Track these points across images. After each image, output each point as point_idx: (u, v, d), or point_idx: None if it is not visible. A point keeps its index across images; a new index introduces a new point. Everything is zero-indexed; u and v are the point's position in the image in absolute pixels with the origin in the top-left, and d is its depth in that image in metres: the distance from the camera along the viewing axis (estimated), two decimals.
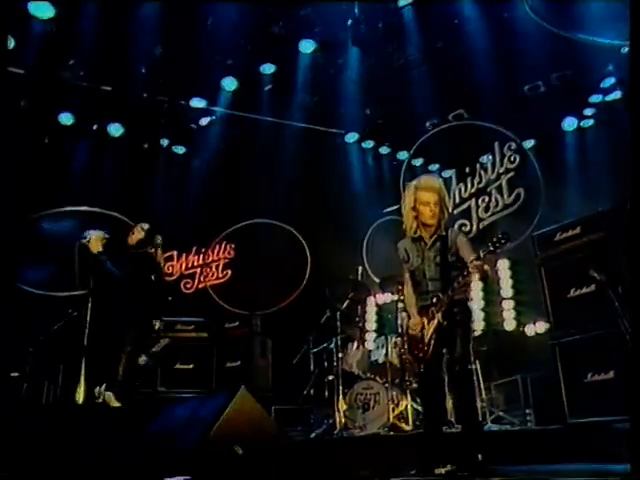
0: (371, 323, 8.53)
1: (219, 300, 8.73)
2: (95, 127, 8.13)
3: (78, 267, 4.91)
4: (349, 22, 7.22)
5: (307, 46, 7.66)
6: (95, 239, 5.03)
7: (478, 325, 7.25)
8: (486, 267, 3.63)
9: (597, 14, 5.71)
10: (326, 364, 5.89)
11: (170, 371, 6.92)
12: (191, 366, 7.15)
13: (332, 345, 5.69)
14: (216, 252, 9.22)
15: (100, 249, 5.01)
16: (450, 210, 4.25)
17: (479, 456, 3.17)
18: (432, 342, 3.58)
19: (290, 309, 8.23)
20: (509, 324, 7.18)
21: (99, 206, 8.01)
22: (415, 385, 5.17)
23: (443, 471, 3.10)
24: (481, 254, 3.48)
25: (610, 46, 5.90)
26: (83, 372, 4.51)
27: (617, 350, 4.40)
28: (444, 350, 3.60)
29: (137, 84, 7.87)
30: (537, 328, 6.60)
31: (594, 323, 4.63)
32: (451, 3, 7.02)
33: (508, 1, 6.69)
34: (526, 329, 6.82)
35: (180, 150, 8.93)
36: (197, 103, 8.52)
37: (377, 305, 8.44)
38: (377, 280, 8.45)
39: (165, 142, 8.72)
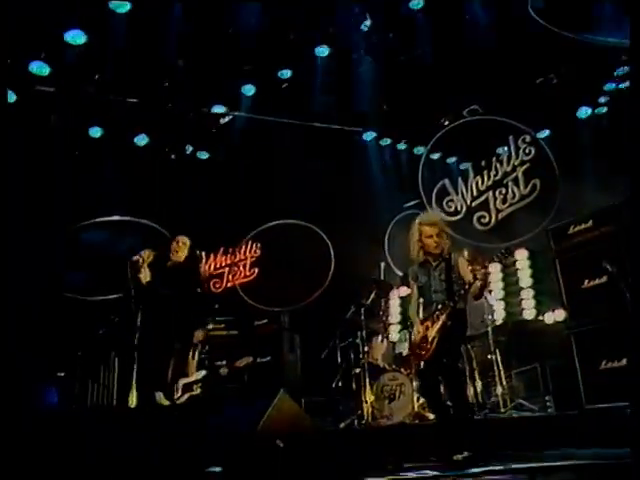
0: (395, 316, 8.81)
1: (247, 298, 9.07)
2: (121, 138, 8.47)
3: (132, 286, 5.24)
4: (362, 27, 7.41)
5: (322, 51, 7.90)
6: (146, 258, 5.33)
7: (498, 315, 7.48)
8: (479, 284, 4.06)
9: (603, 14, 5.82)
10: (352, 357, 6.18)
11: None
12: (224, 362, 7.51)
13: (358, 339, 5.97)
14: (243, 251, 9.56)
15: (148, 276, 5.33)
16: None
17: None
18: (435, 340, 4.05)
19: (316, 305, 8.52)
20: (528, 313, 7.39)
21: (130, 215, 8.39)
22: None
23: (460, 457, 3.38)
24: (477, 275, 4.01)
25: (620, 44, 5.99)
26: (135, 378, 4.89)
27: (628, 338, 4.60)
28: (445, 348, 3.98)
29: (160, 94, 8.20)
30: (556, 316, 6.78)
31: (607, 313, 4.83)
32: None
33: None
34: (545, 317, 7.01)
35: (204, 155, 9.25)
36: (218, 109, 8.83)
37: (400, 298, 8.71)
38: (400, 273, 8.72)
39: (189, 149, 9.06)
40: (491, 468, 3.08)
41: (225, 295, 9.25)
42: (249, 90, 8.48)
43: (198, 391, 5.86)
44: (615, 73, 7.25)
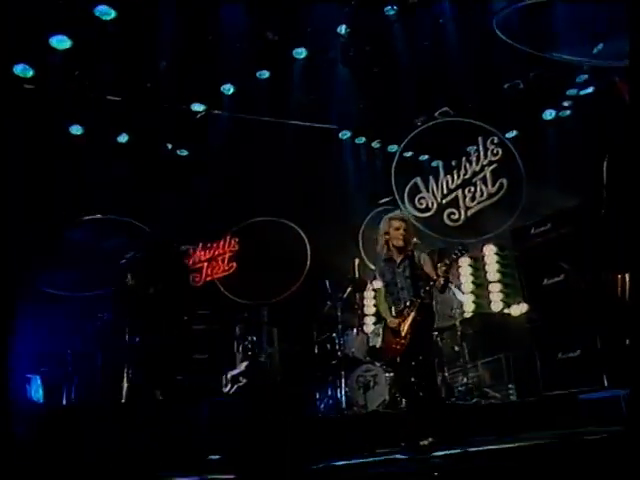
0: (369, 308, 9.19)
1: (226, 292, 9.33)
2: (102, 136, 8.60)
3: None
4: (339, 29, 7.68)
5: (300, 52, 8.15)
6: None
7: (468, 308, 7.90)
8: (442, 281, 4.42)
9: (563, 34, 6.21)
10: (329, 349, 6.52)
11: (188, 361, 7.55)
12: (206, 356, 7.79)
13: (334, 333, 6.31)
14: (222, 246, 9.81)
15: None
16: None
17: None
18: (409, 335, 4.40)
19: (294, 300, 8.81)
20: (495, 306, 7.83)
21: (112, 213, 8.56)
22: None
23: (426, 442, 3.74)
24: (439, 272, 4.39)
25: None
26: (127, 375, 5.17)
27: (583, 331, 5.05)
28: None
29: (142, 93, 8.35)
30: (522, 309, 7.22)
31: (563, 308, 5.26)
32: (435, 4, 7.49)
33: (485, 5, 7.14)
34: (511, 310, 7.45)
35: (183, 152, 9.43)
36: (197, 107, 9.02)
37: (374, 290, 9.07)
38: (373, 267, 9.07)
39: (169, 146, 9.22)
40: (453, 452, 3.43)
41: (204, 289, 9.50)
42: (228, 89, 8.70)
43: (244, 382, 6.20)
44: (577, 79, 7.67)
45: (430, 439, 3.72)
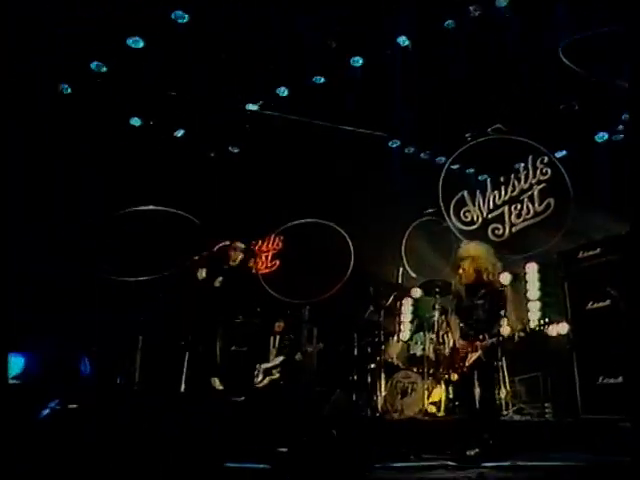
0: (407, 315, 9.33)
1: (269, 289, 9.59)
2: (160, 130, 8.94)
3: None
4: (399, 41, 7.84)
5: (357, 60, 8.34)
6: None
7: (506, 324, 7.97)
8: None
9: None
10: (370, 354, 6.72)
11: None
12: (244, 348, 8.07)
13: (376, 338, 6.51)
14: (266, 243, 10.09)
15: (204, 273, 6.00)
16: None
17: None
18: (469, 369, 4.57)
19: (336, 302, 8.98)
20: (534, 324, 7.87)
21: (164, 205, 8.92)
22: (446, 376, 5.98)
23: (472, 453, 3.91)
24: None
25: None
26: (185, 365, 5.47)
27: (626, 358, 5.11)
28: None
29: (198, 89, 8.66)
30: (559, 329, 7.27)
31: (607, 333, 5.34)
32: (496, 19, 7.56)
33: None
34: (549, 329, 7.50)
35: (235, 150, 9.72)
36: (252, 107, 9.29)
37: (413, 299, 9.21)
38: (414, 276, 9.21)
39: (222, 143, 9.52)
40: (500, 464, 3.58)
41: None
42: (283, 91, 8.94)
43: (277, 375, 6.49)
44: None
45: (477, 449, 3.88)
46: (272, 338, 7.89)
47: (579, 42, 6.62)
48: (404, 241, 9.64)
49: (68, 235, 7.82)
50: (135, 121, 8.94)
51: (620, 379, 5.13)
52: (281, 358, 7.42)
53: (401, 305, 9.24)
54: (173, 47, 7.65)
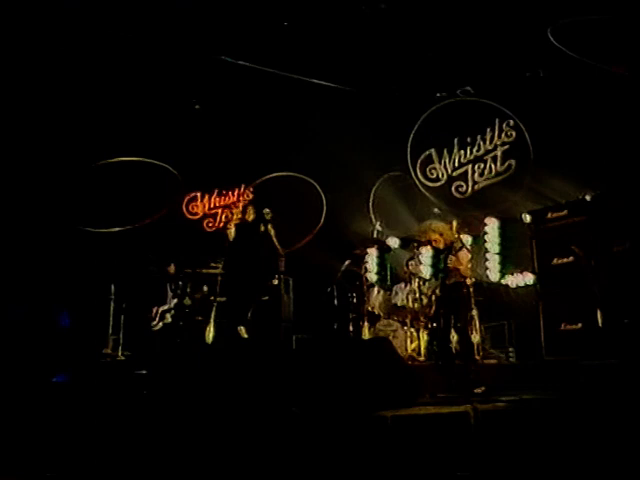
0: (372, 265, 9.85)
1: None
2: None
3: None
4: None
5: None
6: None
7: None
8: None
9: None
10: (354, 303, 7.21)
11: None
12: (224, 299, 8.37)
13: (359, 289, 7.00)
14: (237, 194, 10.23)
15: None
16: None
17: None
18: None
19: (310, 252, 9.31)
20: (493, 276, 8.59)
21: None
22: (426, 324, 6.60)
23: (479, 391, 4.50)
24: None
25: None
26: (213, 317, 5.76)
27: (585, 308, 5.86)
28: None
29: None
30: (518, 280, 7.99)
31: (570, 286, 6.04)
32: None
33: None
34: (508, 280, 8.23)
35: (209, 105, 9.64)
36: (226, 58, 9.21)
37: (378, 250, 9.70)
38: (380, 229, 9.67)
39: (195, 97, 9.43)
40: (512, 398, 4.13)
41: (218, 235, 9.96)
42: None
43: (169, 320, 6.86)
44: None
45: (483, 387, 4.47)
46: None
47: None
48: (371, 196, 10.06)
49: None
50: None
51: (580, 325, 5.87)
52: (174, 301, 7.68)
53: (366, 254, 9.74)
54: None
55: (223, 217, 10.15)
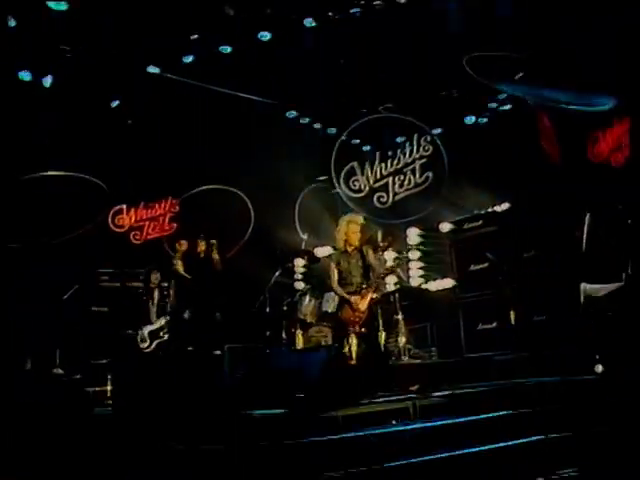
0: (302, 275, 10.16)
1: (170, 250, 9.79)
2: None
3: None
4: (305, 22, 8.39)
5: (265, 35, 8.74)
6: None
7: (391, 280, 9.18)
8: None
9: None
10: (285, 312, 7.48)
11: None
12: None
13: (295, 299, 7.28)
14: (162, 206, 10.20)
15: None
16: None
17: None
18: (367, 310, 5.64)
19: (241, 263, 9.43)
20: (415, 281, 9.17)
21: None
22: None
23: (414, 388, 4.90)
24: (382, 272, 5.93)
25: None
26: None
27: (499, 308, 6.48)
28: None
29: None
30: (439, 285, 8.59)
31: (485, 289, 6.65)
32: None
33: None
34: (429, 285, 8.82)
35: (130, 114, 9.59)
36: (153, 69, 9.26)
37: (306, 260, 10.01)
38: (304, 237, 9.98)
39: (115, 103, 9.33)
40: (447, 393, 4.55)
41: (144, 247, 9.91)
42: (187, 58, 9.05)
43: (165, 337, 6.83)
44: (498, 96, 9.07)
45: (417, 385, 4.88)
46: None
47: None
48: (297, 205, 10.39)
49: None
50: (24, 75, 8.49)
51: (495, 324, 6.48)
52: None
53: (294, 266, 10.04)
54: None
55: (150, 229, 10.10)
